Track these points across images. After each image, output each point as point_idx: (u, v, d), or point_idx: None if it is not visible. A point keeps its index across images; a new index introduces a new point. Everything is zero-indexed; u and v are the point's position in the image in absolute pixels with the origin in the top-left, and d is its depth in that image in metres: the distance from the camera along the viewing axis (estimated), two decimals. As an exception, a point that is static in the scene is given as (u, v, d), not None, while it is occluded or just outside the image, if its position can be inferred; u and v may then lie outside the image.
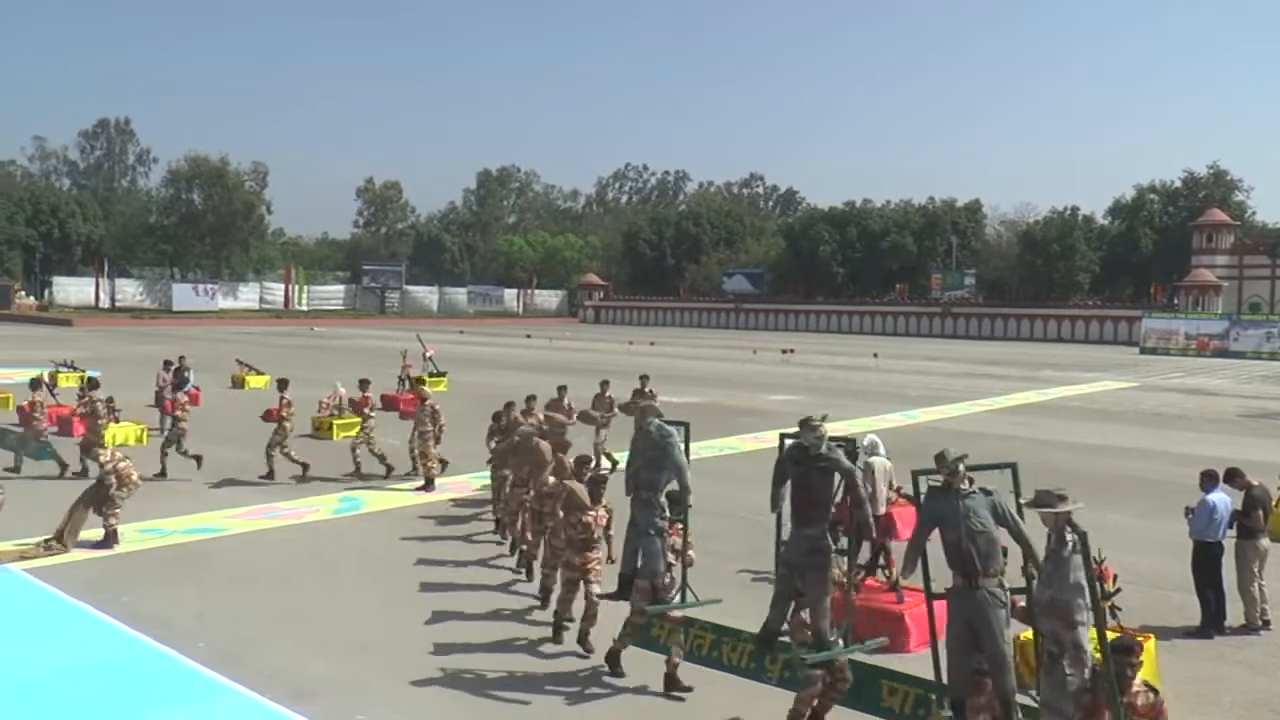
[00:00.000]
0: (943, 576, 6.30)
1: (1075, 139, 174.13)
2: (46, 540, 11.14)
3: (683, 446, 7.88)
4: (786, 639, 6.95)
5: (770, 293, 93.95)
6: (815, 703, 6.71)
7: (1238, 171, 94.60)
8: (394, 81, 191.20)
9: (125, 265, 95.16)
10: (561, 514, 8.80)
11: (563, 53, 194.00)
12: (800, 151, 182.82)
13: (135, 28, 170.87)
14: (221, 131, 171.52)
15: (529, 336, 63.98)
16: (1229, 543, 9.53)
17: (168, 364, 21.43)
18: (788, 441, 7.07)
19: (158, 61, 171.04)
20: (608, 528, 8.58)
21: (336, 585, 10.28)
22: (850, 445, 7.12)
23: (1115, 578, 7.47)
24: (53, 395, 21.12)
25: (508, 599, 9.93)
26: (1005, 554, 6.16)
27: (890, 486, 10.34)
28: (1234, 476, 9.85)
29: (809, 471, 6.73)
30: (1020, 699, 6.01)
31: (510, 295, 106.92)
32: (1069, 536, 5.64)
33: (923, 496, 6.46)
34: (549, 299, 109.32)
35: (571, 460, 10.18)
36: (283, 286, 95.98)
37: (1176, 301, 70.98)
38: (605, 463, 13.30)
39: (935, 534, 6.24)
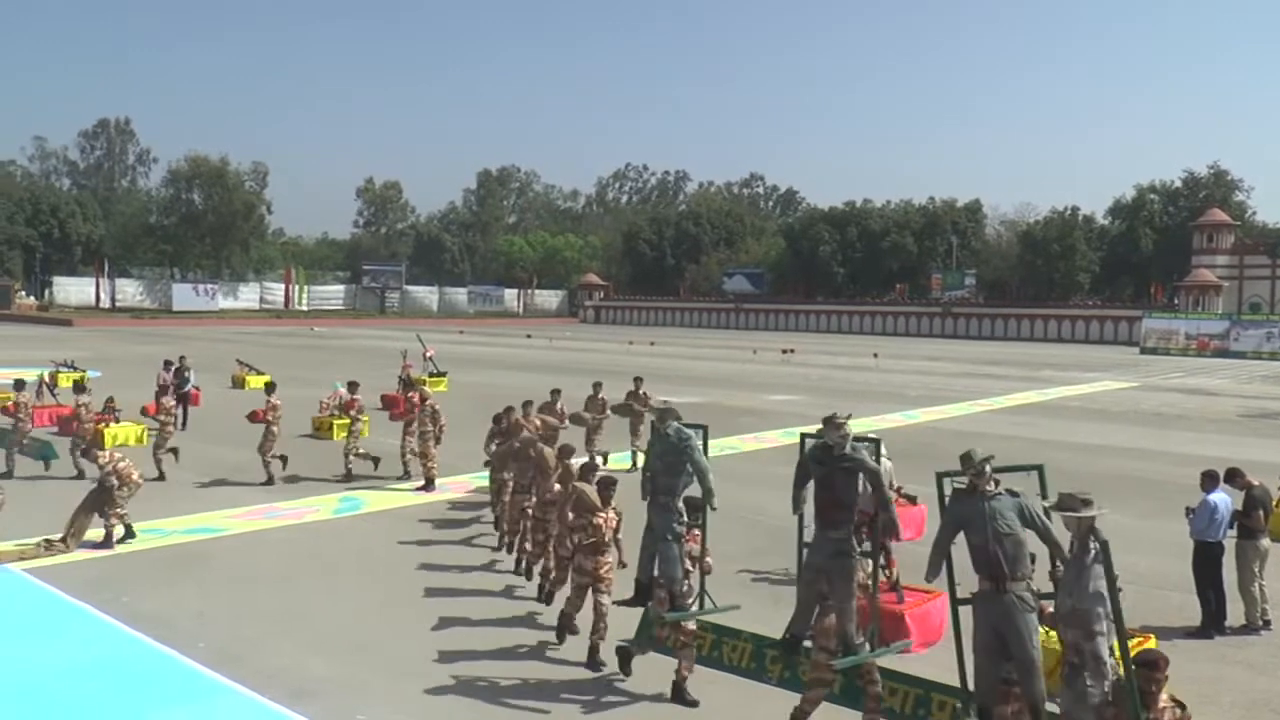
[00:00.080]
0: (968, 581, 6.18)
1: (1075, 139, 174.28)
2: (47, 540, 11.14)
3: (702, 449, 7.71)
4: (809, 643, 6.82)
5: (770, 293, 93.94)
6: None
7: (1238, 171, 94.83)
8: (394, 81, 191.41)
9: (125, 265, 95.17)
10: (571, 516, 8.61)
11: (563, 53, 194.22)
12: (800, 151, 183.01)
13: (135, 28, 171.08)
14: (221, 131, 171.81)
15: (529, 336, 63.98)
16: (1229, 543, 9.53)
17: (168, 364, 21.44)
18: (809, 441, 6.94)
19: (158, 61, 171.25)
20: (616, 531, 8.46)
21: (336, 585, 10.27)
22: (875, 444, 6.97)
23: (1116, 578, 7.46)
24: (53, 395, 21.16)
25: (508, 599, 9.93)
26: (1033, 559, 6.03)
27: (890, 486, 10.33)
28: (1234, 476, 9.85)
29: (833, 472, 6.58)
30: (1048, 706, 5.88)
31: (510, 295, 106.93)
32: (1092, 544, 5.50)
33: (947, 499, 6.32)
34: (549, 299, 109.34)
35: (576, 465, 10.03)
36: (283, 286, 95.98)
37: (1177, 301, 70.97)
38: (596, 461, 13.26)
39: (960, 538, 6.10)
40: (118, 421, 18.40)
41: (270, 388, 16.12)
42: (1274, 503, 10.95)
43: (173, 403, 16.57)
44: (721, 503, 7.89)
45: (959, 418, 25.63)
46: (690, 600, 7.66)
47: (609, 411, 15.96)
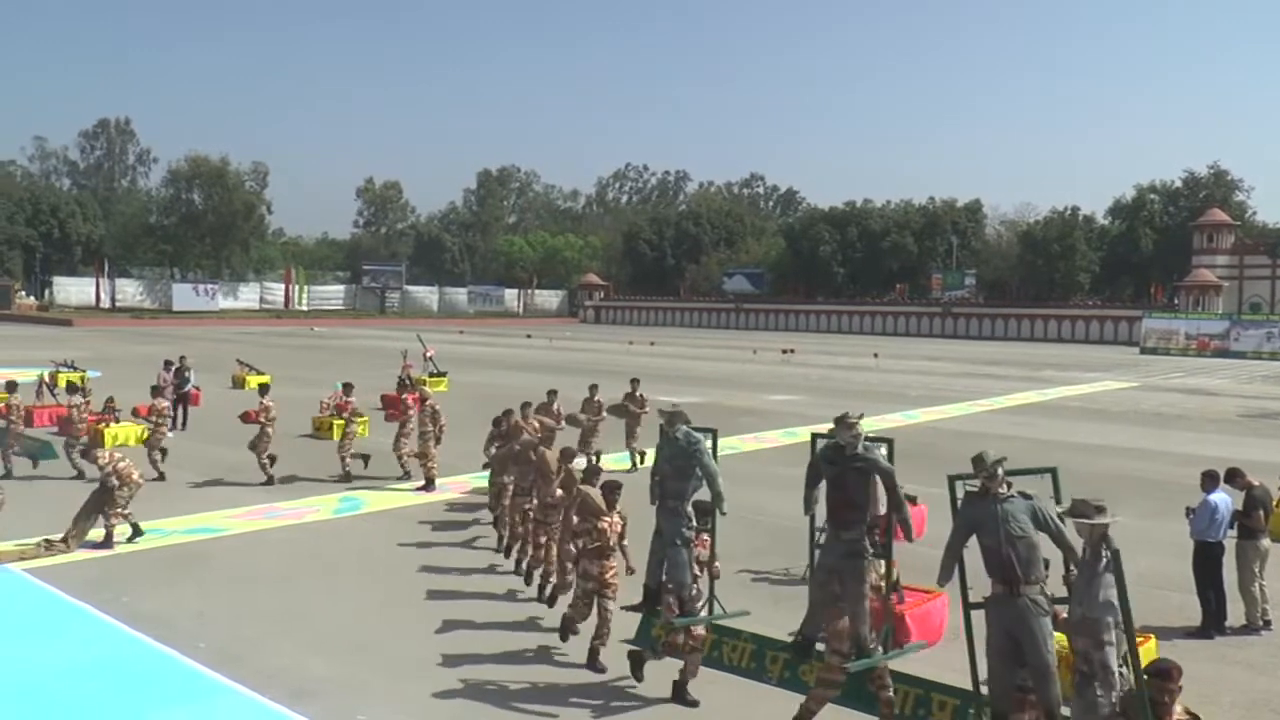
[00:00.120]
0: (980, 585, 6.13)
1: (1075, 139, 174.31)
2: (47, 540, 11.14)
3: (712, 453, 7.61)
4: (821, 646, 6.77)
5: (770, 293, 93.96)
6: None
7: (1238, 171, 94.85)
8: (394, 81, 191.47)
9: (125, 265, 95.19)
10: (575, 520, 8.50)
11: (563, 53, 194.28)
12: (800, 151, 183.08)
13: (135, 28, 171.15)
14: (221, 131, 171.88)
15: (529, 336, 63.98)
16: (1230, 543, 9.53)
17: (168, 364, 21.44)
18: (820, 442, 6.88)
19: (158, 61, 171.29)
20: (622, 536, 8.27)
21: (336, 585, 10.27)
22: (889, 444, 6.88)
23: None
24: (53, 395, 21.15)
25: (509, 599, 9.92)
26: (1047, 564, 5.97)
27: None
28: (1235, 477, 9.85)
29: (845, 472, 6.52)
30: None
31: (510, 295, 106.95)
32: (1104, 552, 5.43)
33: (959, 502, 6.25)
34: (549, 299, 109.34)
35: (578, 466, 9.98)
36: (283, 286, 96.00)
37: (1177, 301, 70.98)
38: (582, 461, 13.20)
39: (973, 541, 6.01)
40: (118, 421, 18.38)
41: (264, 389, 16.17)
42: (1274, 503, 10.94)
43: (165, 403, 16.60)
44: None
45: (959, 418, 25.63)
46: (700, 605, 7.58)
47: (605, 413, 15.95)
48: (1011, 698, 5.86)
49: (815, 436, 7.15)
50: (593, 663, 8.00)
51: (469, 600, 9.82)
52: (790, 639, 7.10)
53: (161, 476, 15.03)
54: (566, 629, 8.25)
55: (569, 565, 8.78)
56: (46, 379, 22.03)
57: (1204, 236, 73.08)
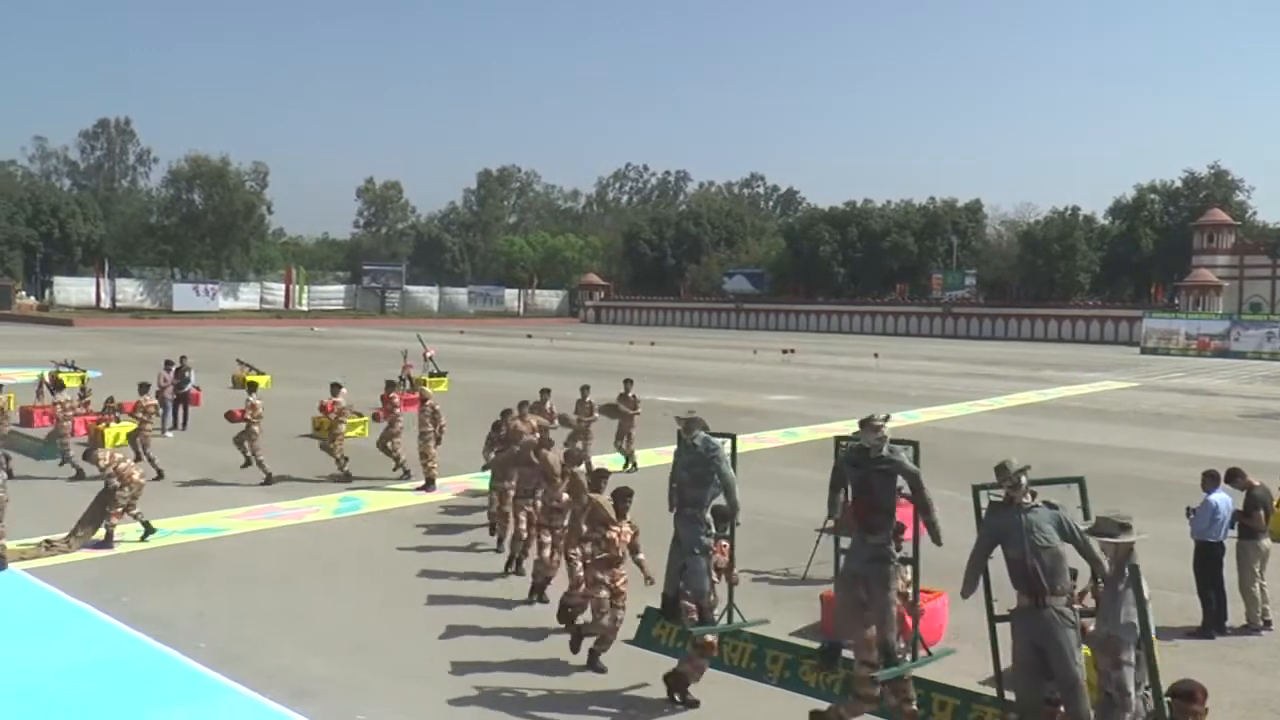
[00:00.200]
0: (1006, 597, 6.07)
1: (1075, 139, 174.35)
2: (48, 540, 11.15)
3: (730, 460, 7.45)
4: (849, 652, 6.71)
5: (770, 293, 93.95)
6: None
7: (1238, 171, 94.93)
8: (394, 81, 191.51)
9: (126, 265, 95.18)
10: (584, 529, 8.36)
11: (563, 53, 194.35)
12: (800, 151, 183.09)
13: (135, 28, 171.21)
14: (221, 131, 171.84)
15: (530, 336, 63.99)
16: (1230, 543, 9.53)
17: (169, 364, 21.43)
18: (844, 445, 6.79)
19: (158, 61, 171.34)
20: (635, 548, 8.07)
21: (336, 585, 10.27)
22: (914, 446, 6.79)
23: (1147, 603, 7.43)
24: (53, 395, 21.14)
25: (508, 598, 9.91)
26: (1074, 574, 5.89)
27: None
28: (1235, 477, 9.84)
29: (870, 475, 6.41)
30: None
31: (511, 295, 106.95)
32: (1127, 569, 5.31)
33: (983, 511, 6.16)
34: (549, 299, 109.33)
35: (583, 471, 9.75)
36: (283, 287, 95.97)
37: (1177, 301, 70.96)
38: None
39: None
40: (118, 421, 18.38)
41: (252, 388, 16.23)
42: (1275, 503, 10.94)
43: (152, 401, 16.66)
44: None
45: (959, 418, 25.63)
46: (720, 614, 7.47)
47: (597, 413, 15.92)
48: (1040, 709, 5.74)
49: (839, 440, 7.07)
50: (594, 663, 7.95)
51: (469, 599, 9.82)
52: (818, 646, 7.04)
53: (160, 475, 15.04)
54: (581, 640, 8.03)
55: (580, 579, 8.54)
56: (47, 379, 22.01)
57: (1204, 236, 73.06)
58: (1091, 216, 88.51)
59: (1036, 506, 5.88)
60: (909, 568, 6.91)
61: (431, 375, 27.71)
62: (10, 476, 14.94)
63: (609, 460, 15.84)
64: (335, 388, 16.45)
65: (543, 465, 10.00)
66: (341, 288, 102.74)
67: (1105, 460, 18.80)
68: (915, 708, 6.59)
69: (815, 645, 8.06)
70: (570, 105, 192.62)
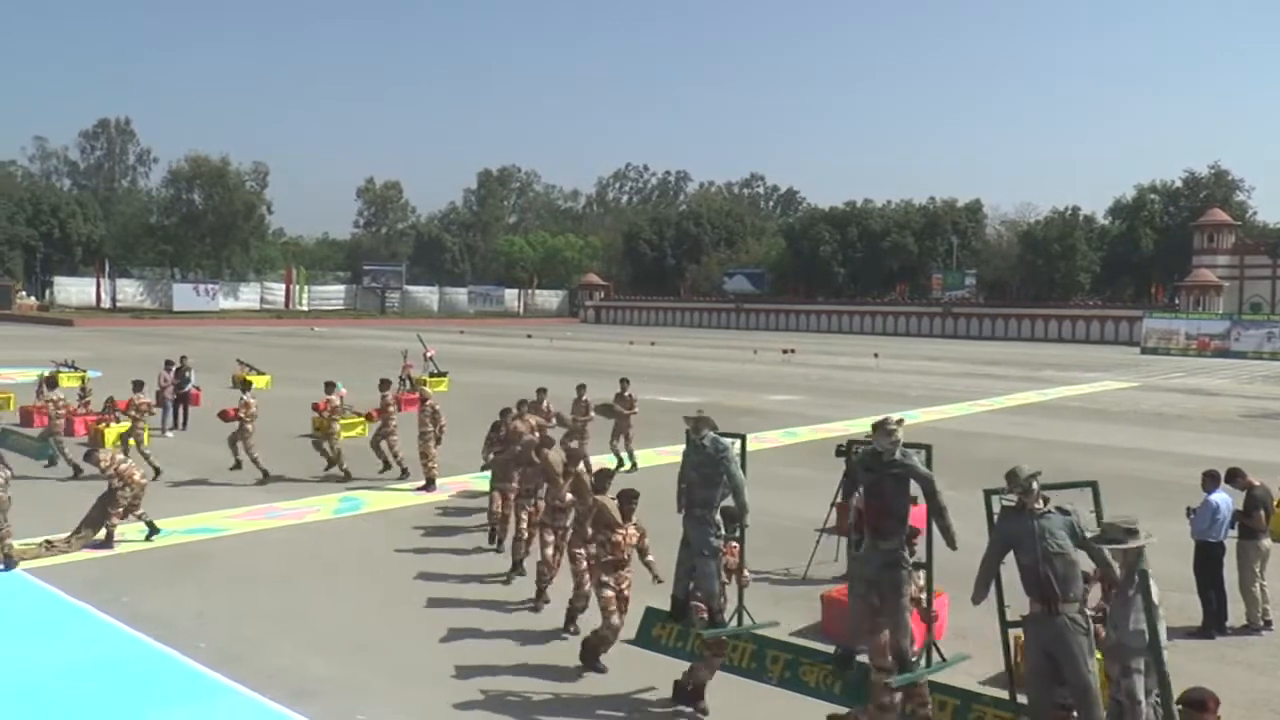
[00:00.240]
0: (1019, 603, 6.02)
1: (1075, 139, 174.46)
2: (48, 541, 11.15)
3: (739, 460, 7.36)
4: (864, 658, 6.64)
5: (771, 293, 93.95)
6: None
7: (1238, 171, 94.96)
8: (394, 81, 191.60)
9: (126, 265, 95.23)
10: (590, 531, 8.28)
11: (563, 53, 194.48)
12: (800, 151, 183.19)
13: (135, 28, 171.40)
14: (221, 131, 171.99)
15: (530, 336, 63.98)
16: (1231, 543, 9.53)
17: (169, 364, 21.43)
18: (856, 448, 6.75)
19: (158, 61, 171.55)
20: (644, 551, 8.00)
21: (336, 585, 10.27)
22: (927, 450, 6.72)
23: (1095, 572, 7.44)
24: (47, 393, 21.14)
25: (507, 598, 9.91)
26: (1087, 579, 5.84)
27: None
28: (1236, 477, 9.84)
29: (882, 479, 6.34)
30: None
31: (511, 295, 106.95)
32: (1137, 576, 5.26)
33: (995, 517, 6.10)
34: (549, 299, 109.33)
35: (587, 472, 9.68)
36: (283, 287, 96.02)
37: (1177, 301, 70.96)
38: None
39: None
40: (119, 421, 18.36)
41: (246, 386, 16.25)
42: (1275, 503, 10.93)
43: (146, 400, 16.71)
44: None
45: (959, 418, 25.62)
46: (730, 616, 7.40)
47: (593, 413, 15.90)
48: (1053, 717, 5.70)
49: (852, 444, 7.02)
50: (594, 663, 7.93)
51: (469, 600, 9.81)
52: (832, 652, 6.95)
53: (157, 473, 15.04)
54: (593, 653, 7.98)
55: (585, 583, 8.49)
56: (46, 379, 22.00)
57: (1204, 236, 73.06)
58: (1091, 216, 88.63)
59: (1049, 512, 5.83)
60: (922, 573, 6.84)
61: (432, 375, 27.71)
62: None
63: (604, 460, 15.85)
64: (329, 386, 16.44)
65: (544, 465, 9.91)
66: (341, 288, 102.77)
67: (1105, 460, 18.78)
68: (929, 712, 6.54)
69: (815, 646, 8.07)
70: (570, 105, 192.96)
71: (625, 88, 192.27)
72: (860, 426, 21.23)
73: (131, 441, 15.80)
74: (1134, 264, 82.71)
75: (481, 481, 13.53)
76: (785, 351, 49.45)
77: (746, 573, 7.79)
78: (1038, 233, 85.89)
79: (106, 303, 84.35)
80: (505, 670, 8.00)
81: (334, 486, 15.09)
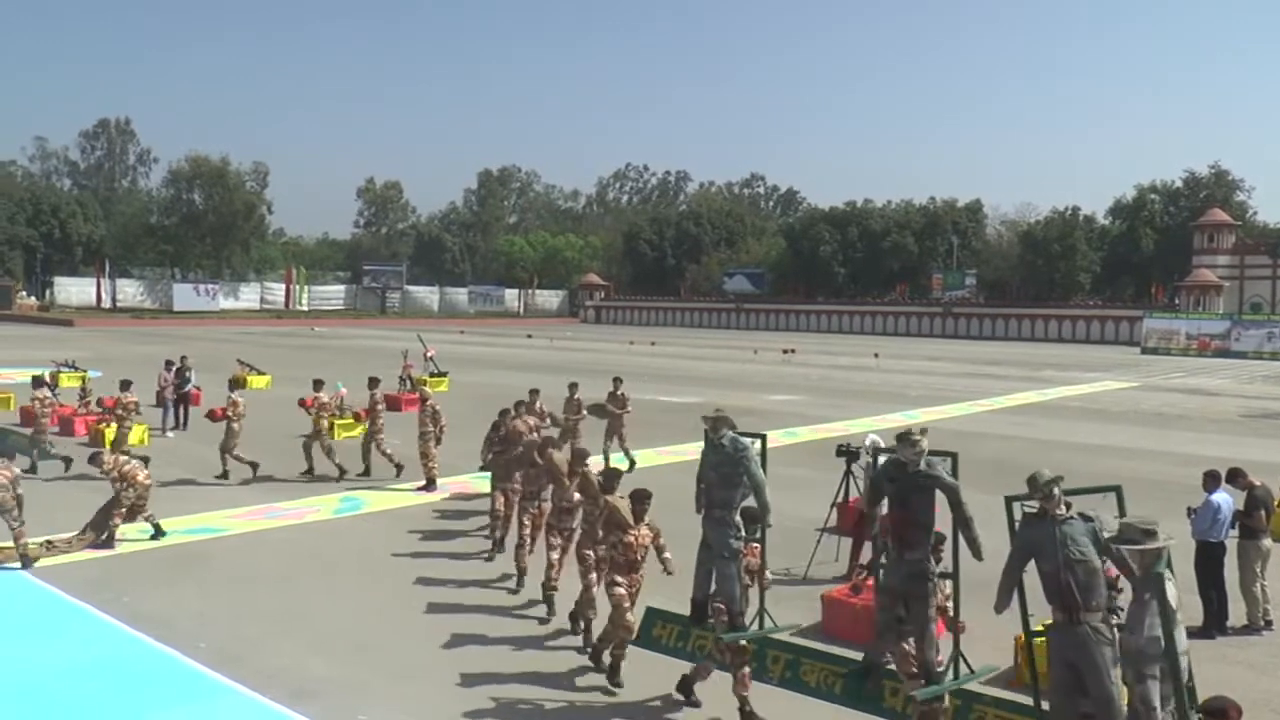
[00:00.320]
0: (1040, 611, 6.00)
1: (1075, 139, 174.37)
2: (49, 541, 11.15)
3: (759, 460, 7.24)
4: (892, 666, 6.58)
5: (771, 293, 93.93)
6: None
7: (1238, 171, 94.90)
8: (394, 81, 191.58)
9: (126, 265, 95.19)
10: (600, 533, 8.16)
11: (563, 53, 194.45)
12: (800, 151, 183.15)
13: (135, 27, 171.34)
14: (222, 131, 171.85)
15: (530, 336, 63.99)
16: (1231, 543, 9.53)
17: (169, 364, 21.45)
18: (881, 458, 6.68)
19: (158, 61, 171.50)
20: (660, 549, 7.88)
21: (336, 585, 10.27)
22: (953, 458, 6.56)
23: (1117, 579, 7.44)
24: (54, 395, 21.15)
25: (508, 598, 9.91)
26: (1115, 584, 5.74)
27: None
28: (1236, 477, 9.85)
29: (908, 489, 6.26)
30: None
31: (511, 295, 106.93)
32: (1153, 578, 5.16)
33: (1016, 524, 6.01)
34: (550, 299, 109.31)
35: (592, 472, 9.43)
36: (284, 287, 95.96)
37: (1178, 301, 70.94)
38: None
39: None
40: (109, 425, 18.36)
41: (234, 385, 16.26)
42: (1275, 503, 10.93)
43: (133, 399, 16.71)
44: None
45: (959, 418, 25.62)
46: (750, 621, 7.29)
47: (585, 412, 15.87)
48: None
49: (877, 451, 6.99)
50: (613, 674, 7.72)
51: (469, 599, 9.81)
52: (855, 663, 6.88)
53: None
54: (600, 653, 7.97)
55: (592, 580, 8.41)
56: (47, 379, 22.00)
57: (1205, 236, 73.05)
58: (1092, 216, 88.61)
59: (1071, 518, 5.72)
60: (948, 582, 6.75)
61: (432, 375, 27.71)
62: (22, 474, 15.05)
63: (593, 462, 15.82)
64: (317, 384, 16.45)
65: (549, 466, 9.74)
66: (342, 288, 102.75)
67: (1105, 460, 18.78)
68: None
69: (815, 646, 8.06)
70: (570, 105, 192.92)
71: (625, 88, 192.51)
72: (860, 427, 21.24)
73: (131, 440, 15.80)
74: (1134, 264, 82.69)
75: (482, 481, 13.53)
76: (785, 351, 49.45)
77: (768, 574, 7.66)
78: (1038, 233, 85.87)
79: (107, 303, 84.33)
80: (506, 670, 8.00)
81: (334, 486, 15.09)
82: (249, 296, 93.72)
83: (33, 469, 15.25)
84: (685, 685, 7.43)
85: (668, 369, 39.20)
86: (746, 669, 7.11)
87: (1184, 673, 5.31)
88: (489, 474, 12.24)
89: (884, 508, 6.57)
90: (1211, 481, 9.60)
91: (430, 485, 14.84)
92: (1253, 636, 9.24)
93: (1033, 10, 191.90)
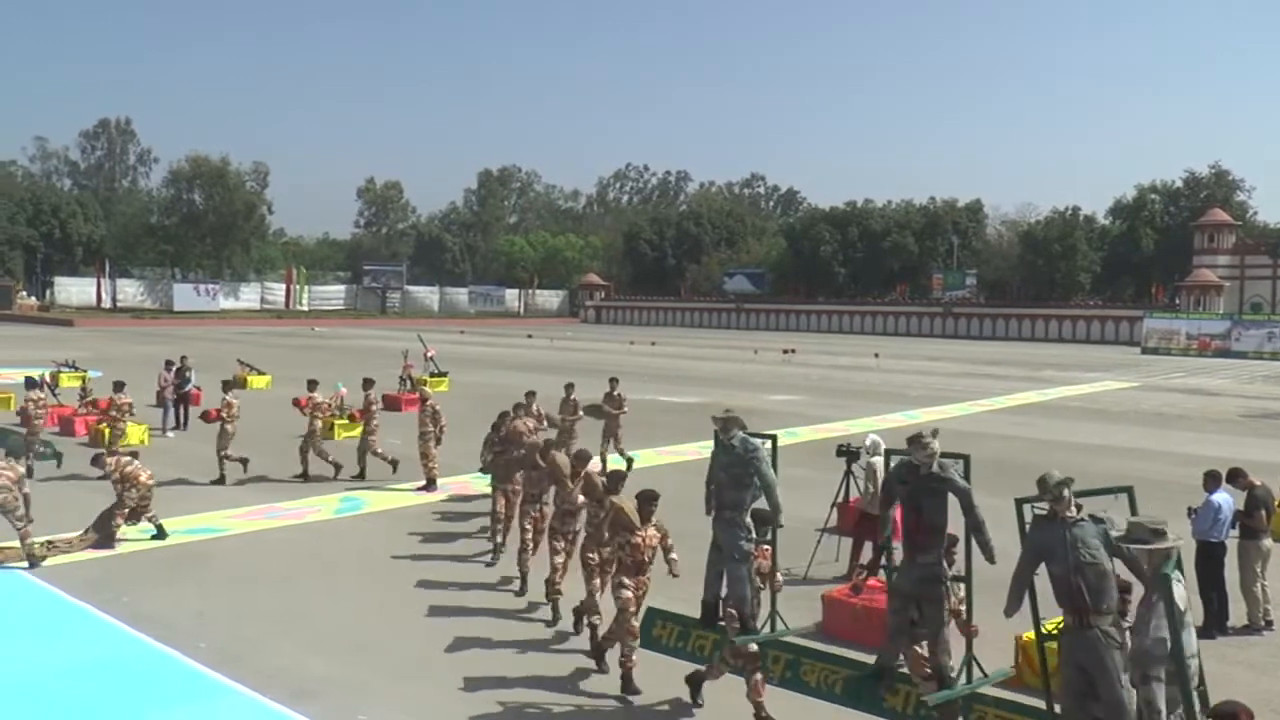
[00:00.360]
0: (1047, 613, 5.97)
1: (1075, 139, 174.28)
2: (50, 541, 11.15)
3: (770, 460, 7.14)
4: (905, 670, 6.54)
5: (771, 293, 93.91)
6: None
7: (1239, 171, 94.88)
8: (394, 81, 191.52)
9: (126, 265, 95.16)
10: (606, 535, 8.09)
11: (563, 53, 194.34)
12: (800, 151, 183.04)
13: (136, 27, 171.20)
14: (222, 131, 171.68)
15: (530, 336, 64.00)
16: (1232, 543, 9.52)
17: (169, 364, 21.45)
18: (893, 460, 6.65)
19: (158, 61, 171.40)
20: (669, 550, 7.83)
21: (336, 585, 10.26)
22: (965, 461, 6.50)
23: (1129, 584, 7.42)
24: (54, 395, 21.16)
25: (508, 598, 9.91)
26: (1129, 588, 5.69)
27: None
28: (1237, 477, 9.84)
29: (920, 492, 6.24)
30: None
31: (511, 295, 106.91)
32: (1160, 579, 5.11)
33: (1027, 526, 5.97)
34: (550, 299, 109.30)
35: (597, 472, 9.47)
36: (284, 287, 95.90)
37: (1178, 301, 70.94)
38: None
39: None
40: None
41: (227, 386, 16.25)
42: (1276, 503, 10.93)
43: (127, 400, 16.70)
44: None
45: (960, 418, 25.61)
46: (762, 624, 7.21)
47: (581, 413, 15.86)
48: None
49: (889, 453, 6.97)
50: (627, 684, 7.59)
51: (469, 600, 9.81)
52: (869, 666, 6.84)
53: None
54: (602, 653, 7.95)
55: (596, 584, 8.37)
56: (48, 379, 22.02)
57: (1205, 236, 73.04)
58: (1092, 216, 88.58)
59: (1082, 520, 5.66)
60: (961, 585, 6.70)
61: (432, 375, 27.71)
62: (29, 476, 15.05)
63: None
64: (311, 384, 16.45)
65: (552, 468, 9.65)
66: (342, 288, 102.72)
67: (1106, 460, 18.77)
68: None
69: (815, 646, 8.05)
70: (570, 105, 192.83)
71: (625, 88, 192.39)
72: (860, 427, 21.24)
73: (125, 440, 15.79)
74: (1134, 264, 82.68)
75: (482, 482, 13.53)
76: (785, 351, 49.45)
77: (779, 576, 7.59)
78: (1038, 233, 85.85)
79: (107, 303, 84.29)
80: (509, 672, 7.99)
81: (334, 486, 15.10)
82: (249, 296, 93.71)
83: (29, 473, 15.16)
84: (695, 681, 7.39)
85: (668, 369, 39.20)
86: (759, 675, 7.05)
87: (1193, 676, 5.25)
88: (489, 475, 12.21)
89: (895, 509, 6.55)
90: (1212, 481, 9.60)
91: (430, 485, 14.85)
92: (1253, 636, 9.24)
93: (1033, 10, 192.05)
